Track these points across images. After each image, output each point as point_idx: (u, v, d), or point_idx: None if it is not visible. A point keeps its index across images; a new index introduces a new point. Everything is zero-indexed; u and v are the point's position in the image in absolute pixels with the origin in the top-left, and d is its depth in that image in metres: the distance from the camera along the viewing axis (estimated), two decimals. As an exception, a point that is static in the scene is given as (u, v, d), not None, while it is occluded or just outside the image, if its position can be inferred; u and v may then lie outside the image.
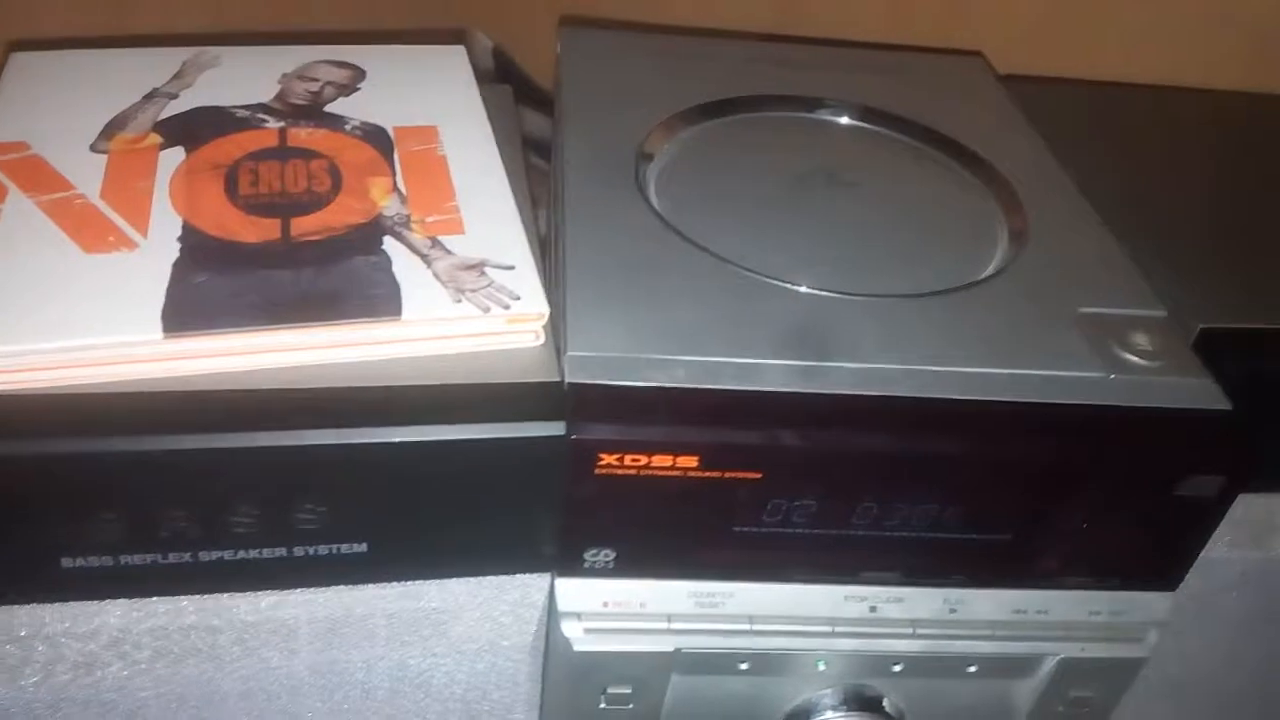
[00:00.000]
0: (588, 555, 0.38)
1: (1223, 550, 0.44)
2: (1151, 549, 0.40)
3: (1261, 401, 0.40)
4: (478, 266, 0.37)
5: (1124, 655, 0.41)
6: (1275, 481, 0.42)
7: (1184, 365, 0.40)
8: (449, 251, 0.38)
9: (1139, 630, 0.41)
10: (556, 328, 0.38)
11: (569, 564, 0.38)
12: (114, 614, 0.36)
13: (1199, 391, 0.39)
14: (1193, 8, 0.68)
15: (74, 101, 0.44)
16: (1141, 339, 0.40)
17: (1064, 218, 0.47)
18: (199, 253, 0.36)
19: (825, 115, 0.52)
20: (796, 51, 0.58)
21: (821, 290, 0.40)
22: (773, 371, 0.37)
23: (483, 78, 0.49)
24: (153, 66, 0.46)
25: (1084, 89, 0.61)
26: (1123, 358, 0.39)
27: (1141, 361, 0.39)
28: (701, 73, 0.53)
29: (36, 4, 0.65)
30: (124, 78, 0.45)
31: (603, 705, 0.40)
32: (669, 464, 0.35)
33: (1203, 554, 0.43)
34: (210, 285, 0.35)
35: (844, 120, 0.53)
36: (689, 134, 0.50)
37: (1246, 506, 0.43)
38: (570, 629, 0.38)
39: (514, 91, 0.54)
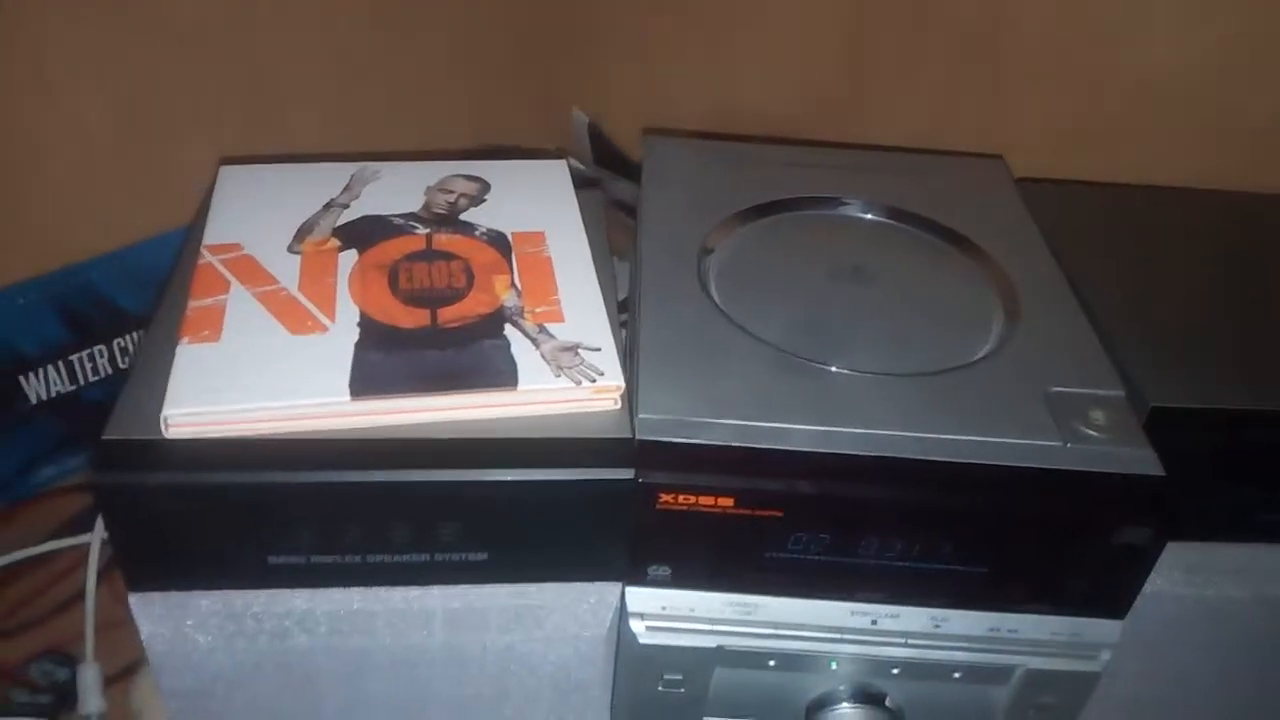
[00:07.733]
0: (650, 570, 0.49)
1: (1178, 589, 0.52)
2: (1099, 584, 0.49)
3: (1201, 467, 0.49)
4: (573, 348, 0.49)
5: (1080, 669, 0.50)
6: (1215, 532, 0.51)
7: (1130, 438, 0.48)
8: (552, 336, 0.49)
9: (1093, 650, 0.50)
10: (631, 394, 0.49)
11: (636, 576, 0.49)
12: (301, 599, 0.47)
13: (1138, 460, 0.47)
14: (1207, 116, 0.75)
15: (271, 208, 0.55)
16: (1099, 415, 0.49)
17: (1050, 307, 0.55)
18: (373, 335, 0.48)
19: (856, 214, 0.63)
20: (839, 156, 0.68)
21: (843, 369, 0.50)
22: (797, 434, 0.47)
23: (580, 154, 0.59)
24: (328, 179, 0.58)
25: (1095, 190, 0.68)
26: (1081, 431, 0.48)
27: (1095, 434, 0.48)
28: (758, 175, 0.64)
29: (224, 124, 0.80)
30: (307, 189, 0.57)
31: (660, 688, 0.51)
32: (712, 503, 0.46)
33: (1159, 591, 0.52)
34: (383, 361, 0.47)
35: (872, 218, 0.63)
36: (744, 231, 0.60)
37: (1194, 553, 0.52)
38: (636, 626, 0.49)
39: (603, 161, 0.64)
